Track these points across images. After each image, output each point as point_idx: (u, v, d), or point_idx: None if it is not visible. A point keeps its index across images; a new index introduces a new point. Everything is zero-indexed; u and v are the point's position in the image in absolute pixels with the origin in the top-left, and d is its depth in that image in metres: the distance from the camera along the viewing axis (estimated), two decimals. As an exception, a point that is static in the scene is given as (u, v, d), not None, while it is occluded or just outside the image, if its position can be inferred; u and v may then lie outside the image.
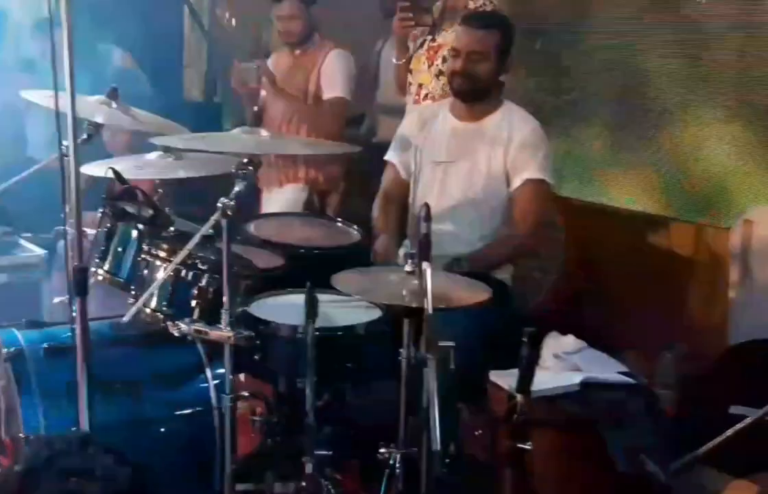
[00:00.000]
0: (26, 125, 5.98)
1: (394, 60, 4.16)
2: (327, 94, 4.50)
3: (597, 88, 4.27)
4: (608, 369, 3.01)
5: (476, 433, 2.95)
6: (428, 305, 2.28)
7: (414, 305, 2.42)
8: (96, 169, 3.19)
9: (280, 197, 4.55)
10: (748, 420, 2.85)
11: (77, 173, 2.23)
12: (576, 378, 2.90)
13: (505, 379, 2.82)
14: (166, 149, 3.19)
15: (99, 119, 3.15)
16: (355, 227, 3.55)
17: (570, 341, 3.09)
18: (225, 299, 2.57)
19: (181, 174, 3.22)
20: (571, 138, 4.37)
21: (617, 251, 3.97)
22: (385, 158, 3.66)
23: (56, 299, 3.89)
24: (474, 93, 3.41)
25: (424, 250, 2.37)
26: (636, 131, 4.11)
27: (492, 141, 3.38)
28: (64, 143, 2.31)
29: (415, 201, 3.44)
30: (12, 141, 6.05)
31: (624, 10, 4.13)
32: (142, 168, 3.31)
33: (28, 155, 5.65)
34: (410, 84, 4.03)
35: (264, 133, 2.90)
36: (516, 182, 3.34)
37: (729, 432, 2.84)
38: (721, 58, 3.76)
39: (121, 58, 6.14)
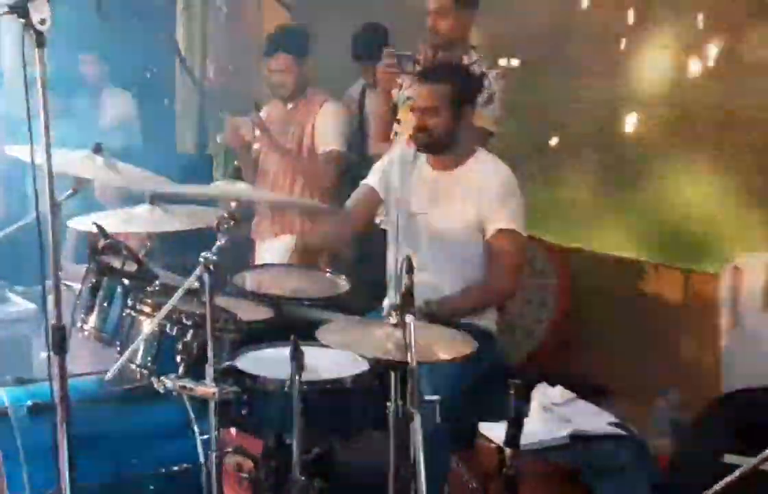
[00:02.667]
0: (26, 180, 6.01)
1: (375, 109, 4.17)
2: (321, 147, 4.49)
3: (581, 135, 4.28)
4: (598, 420, 2.99)
5: (469, 487, 2.92)
6: (412, 359, 2.26)
7: (399, 358, 2.41)
8: (82, 223, 3.18)
9: (274, 248, 4.54)
10: (742, 469, 2.81)
11: (55, 229, 2.21)
12: (565, 430, 2.88)
13: (495, 432, 2.79)
14: (153, 202, 3.19)
15: (84, 174, 3.14)
16: (343, 277, 3.53)
17: (558, 392, 3.07)
18: (209, 354, 2.55)
19: (168, 227, 3.21)
20: (557, 185, 4.38)
21: (606, 298, 3.96)
22: (363, 182, 3.67)
23: (42, 355, 3.88)
24: (433, 147, 3.43)
25: (407, 302, 2.36)
26: (621, 177, 4.12)
27: (464, 191, 3.39)
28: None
29: (394, 251, 3.44)
30: (18, 195, 6.11)
31: (607, 58, 4.14)
32: (129, 221, 3.30)
33: (29, 209, 5.67)
34: (397, 134, 4.03)
35: (242, 185, 2.91)
36: (489, 232, 3.35)
37: (723, 482, 2.80)
38: (704, 103, 3.77)
39: (126, 101, 6.16)
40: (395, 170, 3.58)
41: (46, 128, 2.17)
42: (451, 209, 3.41)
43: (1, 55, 7.40)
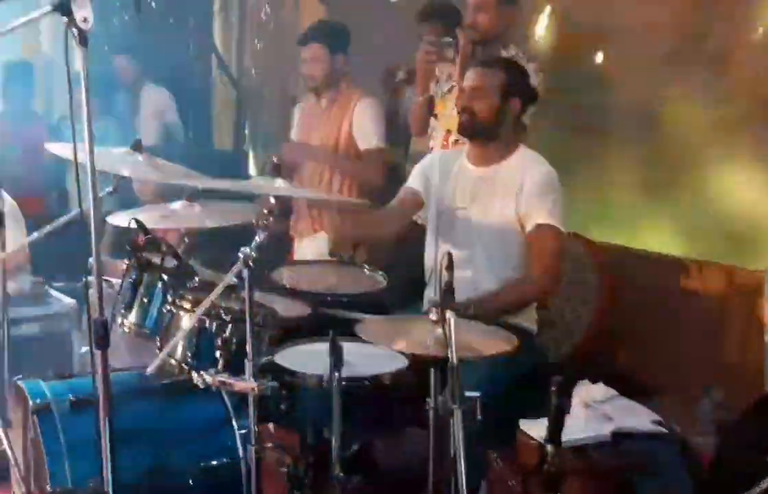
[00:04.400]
0: (67, 176, 6.09)
1: (413, 96, 4.15)
2: (363, 145, 4.46)
3: (625, 131, 4.23)
4: (640, 418, 2.96)
5: (509, 483, 2.90)
6: (452, 356, 2.25)
7: (439, 355, 2.40)
8: (121, 219, 3.21)
9: (313, 245, 4.54)
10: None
11: (97, 226, 2.22)
12: (607, 428, 2.85)
13: (535, 429, 2.77)
14: (191, 198, 3.20)
15: (124, 172, 3.17)
16: (381, 273, 3.52)
17: (600, 389, 3.04)
18: (248, 349, 2.56)
19: (207, 223, 3.23)
20: (600, 182, 4.33)
21: (648, 296, 3.90)
22: (405, 185, 3.66)
23: (83, 349, 3.92)
24: (475, 130, 3.40)
25: (447, 299, 2.35)
26: (665, 174, 4.06)
27: (505, 187, 3.37)
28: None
29: (433, 247, 3.42)
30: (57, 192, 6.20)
31: (651, 54, 4.09)
32: (167, 217, 3.32)
33: (69, 207, 5.75)
34: (434, 129, 4.01)
35: (280, 182, 2.88)
36: (528, 228, 3.32)
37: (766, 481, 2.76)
38: (750, 98, 3.71)
39: (165, 98, 6.21)
40: (435, 167, 3.56)
41: (89, 125, 2.18)
42: (491, 205, 3.38)
43: (40, 53, 7.51)
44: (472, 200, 3.42)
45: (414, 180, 3.63)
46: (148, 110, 6.45)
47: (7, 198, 4.03)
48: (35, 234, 3.44)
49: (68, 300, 4.46)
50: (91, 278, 2.27)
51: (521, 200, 3.32)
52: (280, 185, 2.87)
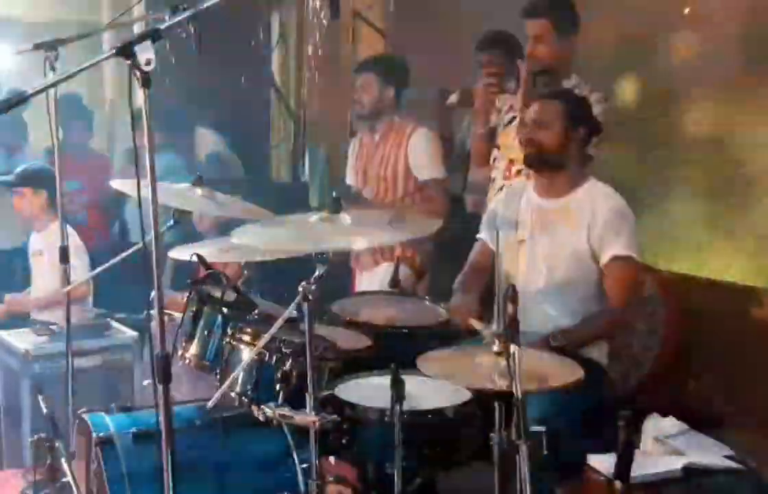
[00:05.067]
0: (126, 210, 6.18)
1: (474, 129, 4.12)
2: (422, 176, 4.44)
3: (692, 157, 4.15)
4: (713, 453, 2.87)
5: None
6: (517, 390, 2.20)
7: (503, 389, 2.35)
8: (182, 253, 3.23)
9: (374, 277, 4.52)
10: None
11: (159, 260, 2.23)
12: (678, 463, 2.77)
13: (604, 464, 2.71)
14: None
15: (185, 207, 3.20)
16: (443, 305, 3.49)
17: (671, 423, 2.97)
18: (309, 382, 2.54)
19: (266, 257, 3.22)
20: (667, 210, 4.25)
21: (718, 325, 3.80)
22: (477, 236, 3.64)
23: (145, 382, 3.94)
24: (542, 162, 3.38)
25: (511, 332, 2.30)
26: (733, 201, 3.97)
27: (575, 219, 3.33)
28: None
29: (500, 280, 3.37)
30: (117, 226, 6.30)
31: (718, 78, 4.01)
32: (227, 251, 3.33)
33: (129, 239, 5.84)
34: (496, 159, 3.97)
35: (347, 218, 2.78)
36: (603, 260, 3.27)
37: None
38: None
39: (215, 142, 6.28)
40: (502, 206, 3.54)
41: (151, 162, 2.20)
42: (560, 237, 3.35)
43: (104, 90, 7.67)
44: (541, 231, 3.38)
45: (483, 232, 3.61)
46: (201, 151, 6.55)
47: (71, 231, 4.09)
48: (99, 268, 3.49)
49: (130, 332, 4.49)
50: (153, 312, 2.27)
51: (594, 233, 3.28)
52: (345, 224, 2.80)
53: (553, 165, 3.37)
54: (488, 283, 3.49)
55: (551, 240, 3.36)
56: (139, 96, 2.17)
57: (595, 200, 3.32)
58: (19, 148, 5.88)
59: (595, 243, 3.28)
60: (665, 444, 2.89)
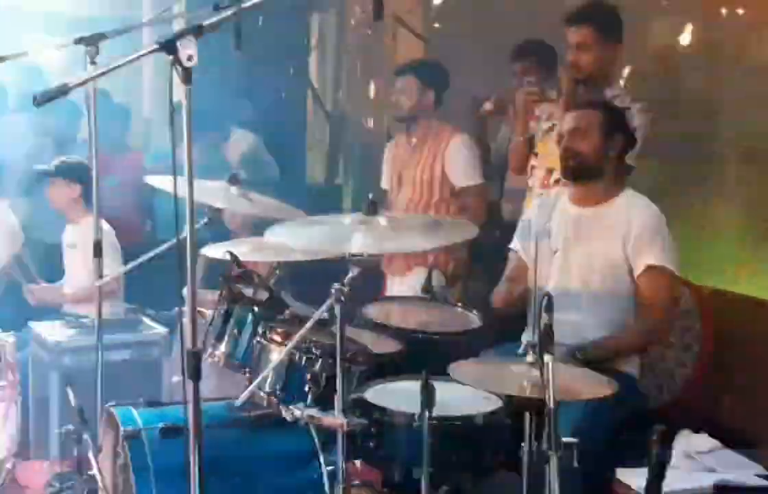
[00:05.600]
0: (154, 205, 6.21)
1: (512, 137, 4.10)
2: (460, 183, 4.43)
3: (733, 174, 4.09)
4: (745, 471, 2.83)
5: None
6: (550, 400, 2.17)
7: (535, 397, 2.32)
8: (215, 251, 3.23)
9: (406, 282, 4.50)
10: None
11: (193, 259, 2.23)
12: (709, 480, 2.74)
13: (634, 478, 2.67)
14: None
15: (218, 204, 3.21)
16: (475, 311, 3.46)
17: (703, 440, 2.94)
18: (338, 385, 2.53)
19: (298, 257, 3.22)
20: (706, 225, 4.20)
21: (757, 343, 3.74)
22: (510, 246, 3.61)
23: (174, 379, 3.95)
24: (579, 171, 3.36)
25: (545, 341, 2.27)
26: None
27: (611, 229, 3.30)
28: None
29: (534, 289, 3.34)
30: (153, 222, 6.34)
31: (760, 89, 3.95)
32: (260, 250, 3.33)
33: (158, 236, 5.86)
34: (534, 167, 3.94)
35: (382, 221, 2.75)
36: (638, 270, 3.25)
37: None
38: None
39: (250, 143, 6.29)
40: (535, 216, 3.52)
41: (189, 160, 2.19)
42: (595, 247, 3.32)
43: (142, 90, 7.73)
44: (575, 240, 3.36)
45: (516, 242, 3.59)
46: (239, 150, 6.56)
47: (105, 226, 4.11)
48: (132, 263, 3.50)
49: (160, 328, 4.50)
50: (185, 308, 2.26)
51: (629, 243, 3.26)
52: (383, 226, 2.76)
53: (591, 174, 3.35)
54: (524, 295, 3.47)
55: (585, 250, 3.34)
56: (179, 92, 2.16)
57: (630, 210, 3.30)
58: (69, 141, 5.91)
59: (630, 253, 3.25)
60: (697, 461, 2.86)
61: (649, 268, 3.22)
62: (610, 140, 3.32)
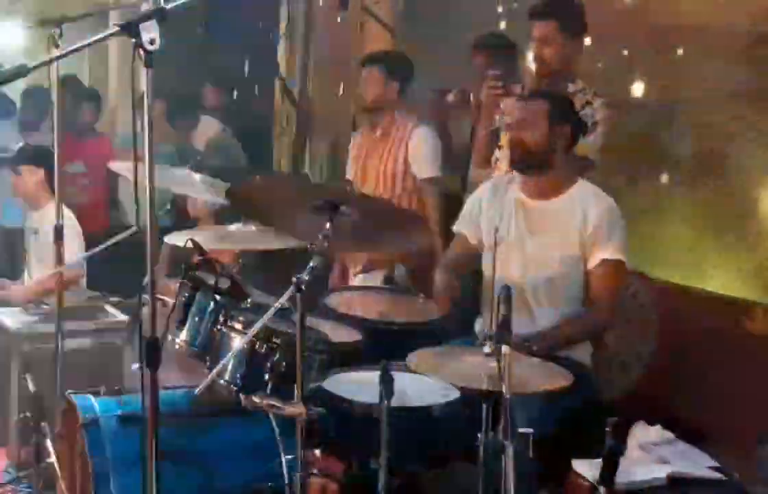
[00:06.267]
0: (120, 191, 6.18)
1: (476, 130, 4.12)
2: (421, 174, 4.44)
3: (688, 168, 4.14)
4: (698, 463, 2.86)
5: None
6: (506, 390, 2.19)
7: (492, 388, 2.35)
8: (177, 239, 3.22)
9: (367, 274, 4.50)
10: None
11: (153, 247, 2.22)
12: (662, 472, 2.77)
13: (589, 469, 2.70)
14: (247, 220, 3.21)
15: (182, 191, 3.19)
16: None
17: (657, 432, 2.97)
18: (298, 374, 2.53)
19: (261, 246, 3.22)
20: (661, 219, 4.25)
21: (710, 337, 3.80)
22: (454, 228, 3.62)
23: (134, 366, 3.94)
24: (527, 162, 3.36)
25: (503, 333, 2.29)
26: (729, 213, 3.96)
27: (565, 221, 3.31)
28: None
29: (488, 279, 3.37)
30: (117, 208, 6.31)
31: (716, 91, 4.00)
32: (223, 239, 3.33)
33: (125, 221, 5.83)
34: (498, 160, 3.96)
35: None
36: (592, 263, 3.27)
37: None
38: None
39: (217, 131, 6.27)
40: (486, 200, 3.51)
41: (150, 146, 2.18)
42: (549, 239, 3.33)
43: (108, 75, 7.68)
44: (529, 233, 3.37)
45: (462, 223, 3.59)
46: (202, 139, 6.54)
47: (67, 212, 4.08)
48: (94, 250, 3.49)
49: (122, 316, 4.48)
50: (145, 296, 2.26)
51: (584, 235, 3.27)
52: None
53: (538, 165, 3.35)
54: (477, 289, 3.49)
55: (539, 242, 3.34)
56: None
57: (585, 202, 3.31)
58: (35, 126, 5.85)
59: (585, 245, 3.27)
60: (651, 452, 2.88)
61: (604, 262, 3.24)
62: (557, 130, 3.31)
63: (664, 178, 4.26)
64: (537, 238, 3.35)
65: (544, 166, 3.34)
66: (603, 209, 3.29)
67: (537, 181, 3.39)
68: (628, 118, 4.18)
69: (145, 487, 2.28)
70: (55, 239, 3.42)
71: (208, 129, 6.16)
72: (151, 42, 2.12)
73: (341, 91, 6.54)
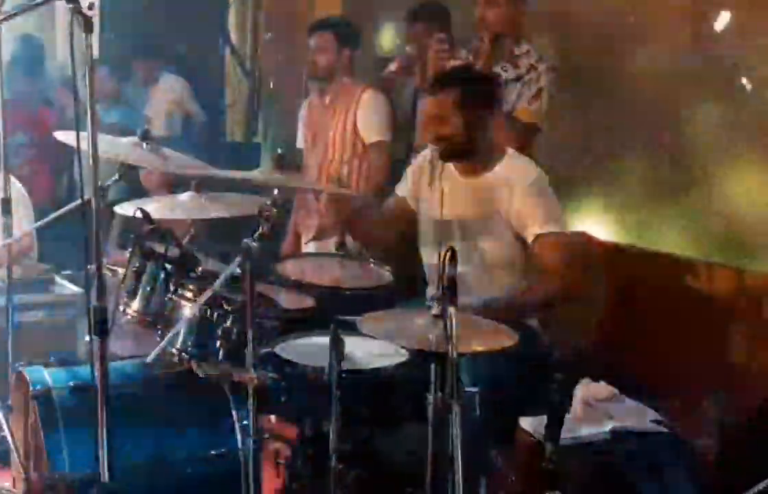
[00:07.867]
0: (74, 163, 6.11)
1: (419, 96, 4.14)
2: (369, 138, 4.43)
3: (635, 131, 4.19)
4: (640, 418, 2.94)
5: (508, 480, 2.89)
6: (452, 351, 2.24)
7: (439, 349, 2.39)
8: (127, 209, 3.21)
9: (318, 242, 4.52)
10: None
11: (98, 216, 2.23)
12: (606, 426, 2.83)
13: (535, 426, 2.76)
14: (198, 189, 3.20)
15: (131, 160, 3.17)
16: (388, 268, 3.51)
17: (602, 388, 3.03)
18: (249, 340, 2.55)
19: (212, 214, 3.22)
20: (610, 181, 4.30)
21: (656, 296, 3.87)
22: (396, 190, 3.67)
23: (87, 337, 3.92)
24: (454, 154, 3.36)
25: (449, 294, 2.33)
26: (677, 174, 4.03)
27: (494, 198, 3.32)
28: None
29: (430, 247, 3.40)
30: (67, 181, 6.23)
31: (661, 53, 4.05)
32: (174, 208, 3.31)
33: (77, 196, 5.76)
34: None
35: (278, 175, 2.87)
36: (529, 239, 3.27)
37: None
38: (763, 98, 3.68)
39: (178, 90, 6.21)
40: (426, 173, 3.52)
41: (92, 113, 2.18)
42: (481, 215, 3.35)
43: (56, 44, 7.54)
44: (463, 209, 3.38)
45: (402, 186, 3.62)
46: (167, 97, 6.44)
47: (15, 183, 4.04)
48: (41, 222, 3.46)
49: (74, 288, 4.45)
50: (92, 267, 2.26)
51: (512, 211, 3.28)
52: (279, 177, 2.84)
53: (463, 153, 3.35)
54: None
55: (473, 217, 3.35)
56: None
57: (512, 177, 3.30)
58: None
59: (514, 222, 3.28)
60: (595, 408, 2.95)
61: (538, 237, 3.24)
62: (471, 116, 3.28)
63: (613, 140, 4.31)
64: (470, 214, 3.36)
65: (468, 152, 3.34)
66: (528, 183, 3.28)
67: (465, 164, 3.39)
68: (576, 81, 4.21)
69: (98, 456, 2.30)
70: (3, 212, 3.39)
71: (169, 90, 6.09)
72: (90, 7, 2.12)
73: (292, 59, 6.52)
